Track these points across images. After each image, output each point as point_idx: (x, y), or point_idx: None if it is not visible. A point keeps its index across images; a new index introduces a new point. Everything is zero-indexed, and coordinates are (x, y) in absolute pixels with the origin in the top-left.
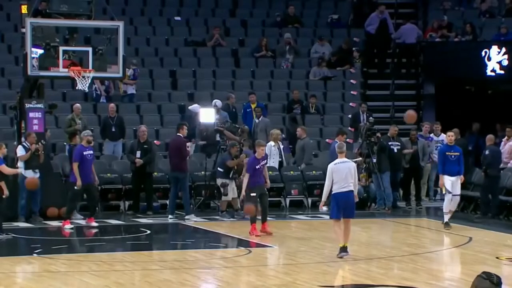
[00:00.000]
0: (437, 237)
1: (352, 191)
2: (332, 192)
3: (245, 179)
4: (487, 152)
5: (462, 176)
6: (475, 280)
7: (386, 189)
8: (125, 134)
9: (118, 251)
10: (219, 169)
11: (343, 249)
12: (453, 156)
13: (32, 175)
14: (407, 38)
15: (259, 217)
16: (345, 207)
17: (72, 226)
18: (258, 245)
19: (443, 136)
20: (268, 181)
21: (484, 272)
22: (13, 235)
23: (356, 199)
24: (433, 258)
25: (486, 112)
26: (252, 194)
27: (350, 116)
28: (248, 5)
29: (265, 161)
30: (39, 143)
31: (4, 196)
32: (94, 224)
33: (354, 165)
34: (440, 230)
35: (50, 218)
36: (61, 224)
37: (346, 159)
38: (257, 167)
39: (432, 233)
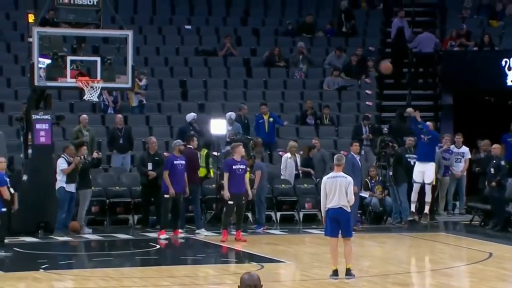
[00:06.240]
0: (456, 252)
1: (344, 207)
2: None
3: (225, 178)
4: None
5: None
6: None
7: (403, 202)
8: (133, 146)
9: (127, 266)
10: None
11: (335, 272)
12: None
13: (72, 189)
14: (424, 47)
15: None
16: (339, 225)
17: (167, 236)
18: (271, 260)
19: (464, 148)
20: (250, 192)
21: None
22: (19, 250)
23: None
24: (452, 274)
25: (506, 123)
26: (229, 202)
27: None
28: (260, 13)
29: (244, 166)
30: (80, 157)
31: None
32: (163, 236)
33: (349, 180)
34: (458, 246)
35: (72, 231)
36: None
37: (340, 173)
38: (234, 167)
39: (450, 248)
